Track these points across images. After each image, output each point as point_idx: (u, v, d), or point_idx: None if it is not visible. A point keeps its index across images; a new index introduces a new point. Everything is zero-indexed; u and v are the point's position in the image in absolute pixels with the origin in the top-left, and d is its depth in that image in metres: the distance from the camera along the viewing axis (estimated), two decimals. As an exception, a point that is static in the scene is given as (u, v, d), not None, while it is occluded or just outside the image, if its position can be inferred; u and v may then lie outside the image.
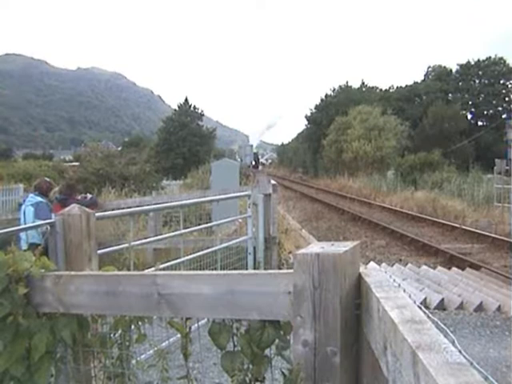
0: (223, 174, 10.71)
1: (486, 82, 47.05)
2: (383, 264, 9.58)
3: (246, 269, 5.42)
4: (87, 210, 2.42)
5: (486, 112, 47.09)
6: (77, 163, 30.39)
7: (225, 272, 1.99)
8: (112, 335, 1.85)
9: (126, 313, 1.75)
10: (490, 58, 47.71)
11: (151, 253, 7.55)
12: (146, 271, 2.77)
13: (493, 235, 12.56)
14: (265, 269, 5.57)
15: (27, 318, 1.73)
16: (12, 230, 3.14)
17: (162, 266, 3.53)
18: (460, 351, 0.87)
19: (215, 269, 4.67)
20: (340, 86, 48.00)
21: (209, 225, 6.79)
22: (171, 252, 6.06)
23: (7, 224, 7.86)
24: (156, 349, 1.78)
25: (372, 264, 9.07)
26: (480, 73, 47.57)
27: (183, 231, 4.53)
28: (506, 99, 46.09)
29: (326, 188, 33.01)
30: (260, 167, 53.30)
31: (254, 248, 5.73)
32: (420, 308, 1.14)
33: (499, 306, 6.50)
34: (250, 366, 1.50)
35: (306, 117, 49.64)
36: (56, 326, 1.74)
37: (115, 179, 15.93)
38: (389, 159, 34.13)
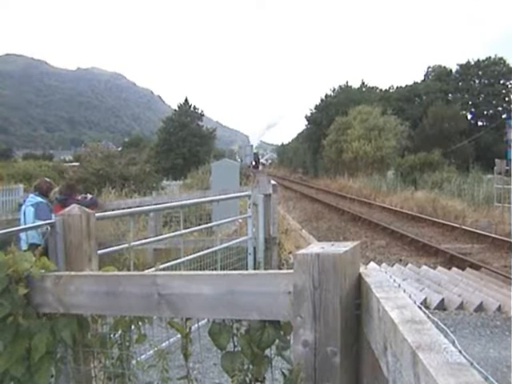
0: (223, 174, 10.71)
1: (486, 82, 47.05)
2: (383, 264, 9.58)
3: (246, 269, 5.42)
4: (87, 210, 2.41)
5: (486, 112, 47.09)
6: (77, 163, 30.40)
7: (225, 272, 1.99)
8: (112, 335, 1.85)
9: (126, 313, 1.75)
10: (489, 58, 47.71)
11: (151, 253, 7.55)
12: (146, 271, 2.77)
13: (493, 235, 12.56)
14: (265, 269, 5.57)
15: (27, 319, 1.73)
16: (12, 230, 3.14)
17: (162, 266, 3.53)
18: (460, 351, 0.87)
19: (215, 269, 4.67)
20: (340, 86, 48.01)
21: (209, 225, 6.79)
22: (171, 252, 6.07)
23: (7, 224, 7.87)
24: (156, 349, 1.78)
25: (372, 264, 9.07)
26: (480, 73, 47.58)
27: (183, 231, 4.53)
28: (506, 99, 46.06)
29: (326, 188, 33.01)
30: (260, 167, 53.31)
31: (254, 248, 5.73)
32: (420, 308, 1.14)
33: (499, 306, 6.50)
34: (250, 367, 1.50)
35: (306, 117, 49.66)
36: (56, 327, 1.74)
37: (115, 179, 15.93)
38: (389, 159, 34.13)
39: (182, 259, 4.32)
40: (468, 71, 47.70)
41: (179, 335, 1.72)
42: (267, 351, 1.50)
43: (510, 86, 47.12)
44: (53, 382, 1.83)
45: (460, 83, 47.85)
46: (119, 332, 1.84)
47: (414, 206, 19.18)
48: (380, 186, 26.61)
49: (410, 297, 1.26)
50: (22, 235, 5.11)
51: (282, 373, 1.42)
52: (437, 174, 24.57)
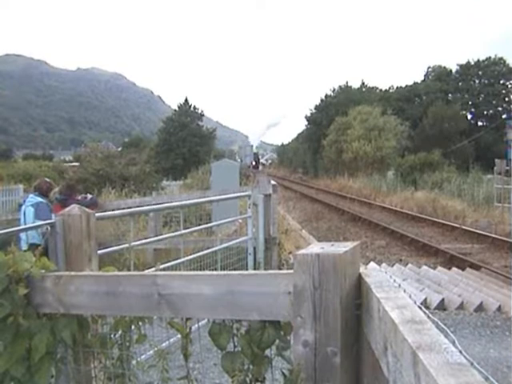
0: (223, 174, 10.71)
1: (486, 82, 47.05)
2: (383, 264, 9.58)
3: (246, 269, 5.42)
4: (87, 210, 2.41)
5: (485, 112, 47.09)
6: (77, 164, 30.41)
7: (225, 272, 1.99)
8: (112, 336, 1.85)
9: (127, 313, 1.75)
10: (489, 58, 47.71)
11: (151, 253, 7.55)
12: (147, 271, 2.77)
13: (493, 235, 12.56)
14: (265, 269, 5.57)
15: (27, 319, 1.73)
16: (12, 230, 3.14)
17: (162, 266, 3.53)
18: (460, 351, 0.87)
19: (215, 269, 4.67)
20: (340, 87, 48.01)
21: (209, 225, 6.79)
22: (171, 252, 6.07)
23: (7, 224, 7.86)
24: (156, 349, 1.78)
25: (372, 264, 9.07)
26: (480, 73, 47.58)
27: (183, 231, 4.53)
28: (506, 99, 46.09)
29: (326, 188, 33.01)
30: (260, 167, 53.32)
31: (254, 248, 5.73)
32: (420, 308, 1.14)
33: (499, 306, 6.50)
34: (251, 367, 1.50)
35: (306, 117, 49.66)
36: (56, 327, 1.74)
37: (115, 180, 15.93)
38: (389, 159, 34.13)
39: (182, 259, 4.32)
40: (468, 71, 47.71)
41: (179, 335, 1.72)
42: (267, 351, 1.50)
43: (510, 86, 47.15)
44: (53, 382, 1.83)
45: (460, 83, 47.85)
46: (119, 332, 1.83)
47: (414, 206, 19.18)
48: (380, 186, 26.61)
49: (410, 297, 1.26)
50: (22, 235, 5.12)
51: (282, 373, 1.42)
52: (437, 174, 24.57)
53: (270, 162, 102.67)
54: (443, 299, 6.76)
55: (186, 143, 39.90)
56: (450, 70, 49.83)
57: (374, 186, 27.11)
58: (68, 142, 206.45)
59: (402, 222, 16.84)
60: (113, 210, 6.13)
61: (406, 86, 49.71)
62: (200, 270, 4.66)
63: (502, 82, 46.89)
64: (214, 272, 2.89)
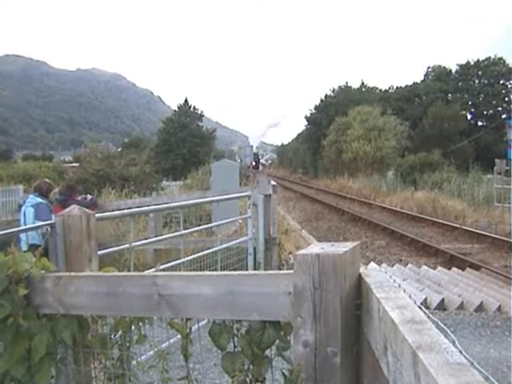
0: (223, 174, 10.71)
1: (486, 82, 47.07)
2: (383, 264, 9.58)
3: (246, 269, 5.42)
4: (87, 210, 2.41)
5: (485, 112, 47.09)
6: (77, 164, 30.42)
7: (225, 273, 1.99)
8: (112, 336, 1.85)
9: (127, 314, 1.75)
10: (489, 58, 47.73)
11: (151, 253, 7.56)
12: (147, 272, 2.77)
13: (493, 235, 12.56)
14: (265, 269, 5.57)
15: (27, 319, 1.73)
16: (12, 231, 3.14)
17: (162, 266, 3.53)
18: (460, 351, 0.87)
19: (215, 269, 4.67)
20: (340, 87, 48.01)
21: (209, 225, 6.79)
22: (171, 253, 6.07)
23: (7, 225, 7.86)
24: (156, 350, 1.78)
25: (372, 264, 9.07)
26: (480, 73, 47.59)
27: (183, 232, 4.54)
28: (506, 99, 46.07)
29: (326, 188, 33.01)
30: (260, 168, 53.32)
31: (254, 249, 5.73)
32: (420, 308, 1.14)
33: (499, 306, 6.50)
34: (251, 367, 1.50)
35: (306, 117, 49.67)
36: (56, 327, 1.74)
37: (115, 180, 15.93)
38: (389, 159, 34.13)
39: (182, 260, 4.32)
40: (468, 71, 47.72)
41: (179, 336, 1.72)
42: (267, 351, 1.50)
43: (509, 86, 47.13)
44: (53, 382, 1.83)
45: (460, 83, 47.86)
46: (119, 333, 1.83)
47: (414, 206, 19.18)
48: (380, 186, 26.61)
49: (410, 297, 1.26)
50: (22, 236, 5.12)
51: (283, 373, 1.42)
52: (437, 174, 24.57)
53: (269, 162, 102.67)
54: (443, 299, 6.76)
55: (185, 144, 39.89)
56: (450, 70, 49.85)
57: (374, 186, 27.11)
58: (68, 143, 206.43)
59: (402, 222, 16.84)
60: (113, 211, 6.13)
61: (406, 86, 49.73)
62: (200, 270, 4.66)
63: (501, 82, 46.90)
64: (214, 272, 2.89)
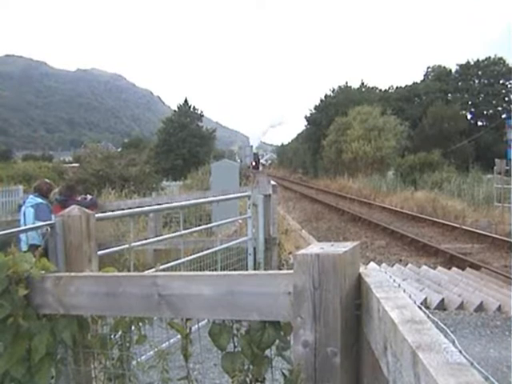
0: (223, 174, 10.70)
1: (486, 81, 47.07)
2: (383, 264, 9.58)
3: (246, 269, 5.42)
4: (87, 211, 2.41)
5: (485, 112, 47.09)
6: (76, 164, 30.42)
7: (225, 273, 1.99)
8: (112, 336, 1.85)
9: (127, 314, 1.75)
10: (489, 58, 47.73)
11: (151, 254, 7.56)
12: (147, 272, 2.77)
13: (493, 235, 12.56)
14: (265, 269, 5.57)
15: (27, 320, 1.73)
16: (12, 231, 3.14)
17: (162, 266, 3.53)
18: (460, 351, 0.87)
19: (215, 269, 4.67)
20: (339, 87, 48.01)
21: (209, 226, 6.79)
22: (171, 253, 6.07)
23: (7, 225, 7.86)
24: (156, 350, 1.78)
25: (372, 264, 9.07)
26: (479, 73, 47.59)
27: (183, 232, 4.54)
28: (506, 99, 46.08)
29: (326, 188, 33.02)
30: (260, 168, 53.31)
31: (254, 249, 5.73)
32: (420, 308, 1.14)
33: (499, 306, 6.50)
34: (251, 367, 1.50)
35: (306, 117, 49.66)
36: (56, 328, 1.74)
37: (115, 180, 15.92)
38: (389, 159, 34.13)
39: (182, 260, 4.32)
40: (468, 71, 47.72)
41: (179, 336, 1.72)
42: (267, 351, 1.50)
43: (509, 85, 47.14)
44: (53, 382, 1.83)
45: (460, 83, 47.86)
46: (119, 333, 1.84)
47: (414, 206, 19.18)
48: (380, 186, 26.61)
49: (410, 297, 1.26)
50: (22, 236, 5.12)
51: (283, 373, 1.42)
52: (436, 174, 24.57)
53: (269, 162, 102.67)
54: (443, 299, 6.76)
55: (185, 144, 39.89)
56: (450, 70, 49.85)
57: (374, 186, 27.11)
58: (68, 143, 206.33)
59: (402, 222, 16.84)
60: (113, 211, 6.14)
61: (406, 86, 49.73)
62: (200, 270, 4.66)
63: (501, 81, 46.90)
64: (214, 272, 2.89)
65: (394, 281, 1.54)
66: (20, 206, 6.88)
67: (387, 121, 36.99)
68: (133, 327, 1.81)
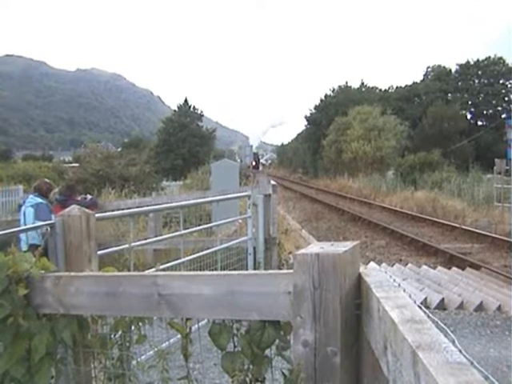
0: (223, 174, 10.70)
1: (486, 81, 47.07)
2: (383, 264, 9.58)
3: (246, 269, 5.42)
4: (87, 211, 2.41)
5: (485, 112, 47.10)
6: (76, 164, 30.41)
7: (225, 272, 1.99)
8: (112, 336, 1.85)
9: (127, 313, 1.75)
10: (489, 57, 47.73)
11: (151, 253, 7.55)
12: (147, 272, 2.77)
13: (493, 235, 12.56)
14: (265, 269, 5.57)
15: (27, 319, 1.73)
16: (12, 231, 3.14)
17: (162, 266, 3.53)
18: (460, 351, 0.87)
19: (215, 269, 4.67)
20: (339, 87, 48.00)
21: (209, 225, 6.80)
22: (171, 253, 6.07)
23: (7, 225, 7.86)
24: (156, 349, 1.78)
25: (372, 264, 9.07)
26: (479, 73, 47.60)
27: (183, 232, 4.53)
28: (506, 99, 46.09)
29: (326, 188, 33.02)
30: (260, 168, 53.32)
31: (254, 248, 5.73)
32: (420, 308, 1.14)
33: (499, 306, 6.51)
34: (251, 367, 1.50)
35: (306, 117, 49.67)
36: (56, 327, 1.74)
37: (115, 180, 15.92)
38: (388, 159, 34.13)
39: (182, 260, 4.32)
40: (467, 71, 47.72)
41: (179, 336, 1.72)
42: (267, 351, 1.50)
43: (509, 85, 47.15)
44: (53, 382, 1.83)
45: (459, 83, 47.86)
46: (119, 332, 1.84)
47: (414, 206, 19.19)
48: (380, 185, 26.61)
49: (409, 296, 1.26)
50: (22, 236, 5.12)
51: (282, 373, 1.42)
52: (436, 173, 24.56)
53: (269, 162, 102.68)
54: (443, 299, 6.76)
55: (185, 144, 39.87)
56: (450, 70, 49.85)
57: (374, 186, 27.11)
58: (68, 143, 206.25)
59: (402, 221, 16.84)
60: (112, 211, 6.14)
61: (406, 85, 49.73)
62: (200, 270, 4.66)
63: (501, 81, 46.91)
64: (214, 272, 2.89)
65: (394, 280, 1.54)
66: (20, 206, 6.88)
67: (387, 121, 36.99)
68: (133, 327, 1.81)
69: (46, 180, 6.78)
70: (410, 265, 9.54)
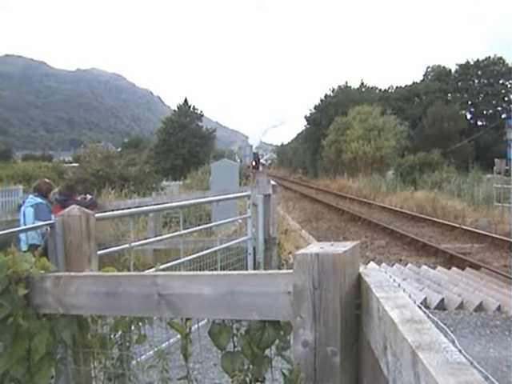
0: (223, 174, 10.70)
1: (486, 81, 47.07)
2: (383, 264, 9.58)
3: (246, 269, 5.42)
4: (87, 210, 2.41)
5: (485, 112, 47.10)
6: (76, 164, 30.38)
7: (225, 272, 1.99)
8: (112, 336, 1.85)
9: (126, 313, 1.75)
10: (489, 57, 47.74)
11: (151, 253, 7.55)
12: (146, 272, 2.77)
13: (492, 235, 12.57)
14: (265, 269, 5.57)
15: (27, 319, 1.73)
16: (12, 231, 3.13)
17: (162, 266, 3.53)
18: (460, 351, 0.87)
19: (215, 269, 4.67)
20: (339, 87, 48.01)
21: (209, 225, 6.79)
22: (171, 253, 6.07)
23: (7, 225, 7.86)
24: (156, 349, 1.78)
25: (372, 264, 9.07)
26: (479, 73, 47.60)
27: (183, 232, 4.53)
28: (506, 99, 46.10)
29: (326, 188, 33.02)
30: (260, 168, 53.32)
31: (254, 248, 5.73)
32: (420, 308, 1.14)
33: (499, 306, 6.51)
34: (251, 367, 1.50)
35: (306, 117, 49.67)
36: (56, 327, 1.74)
37: (115, 180, 15.91)
38: (388, 159, 34.13)
39: (182, 259, 4.32)
40: (467, 71, 47.72)
41: (179, 336, 1.72)
42: (267, 351, 1.50)
43: (509, 85, 47.15)
44: (53, 382, 1.83)
45: (459, 83, 47.86)
46: (119, 332, 1.84)
47: (414, 206, 19.19)
48: (380, 186, 26.61)
49: (409, 296, 1.26)
50: (22, 236, 5.12)
51: (282, 373, 1.42)
52: (436, 173, 24.56)
53: (269, 162, 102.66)
54: (443, 299, 6.76)
55: (185, 144, 39.87)
56: (450, 70, 49.84)
57: (374, 186, 27.11)
58: (67, 143, 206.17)
59: (402, 221, 16.84)
60: (112, 211, 6.13)
61: (406, 85, 49.73)
62: (200, 270, 4.66)
63: (501, 81, 46.91)
64: (214, 272, 2.89)
65: (394, 280, 1.54)
66: (20, 206, 6.88)
67: (387, 121, 36.99)
68: (133, 327, 1.81)
69: (46, 180, 6.77)
70: (409, 265, 9.54)
